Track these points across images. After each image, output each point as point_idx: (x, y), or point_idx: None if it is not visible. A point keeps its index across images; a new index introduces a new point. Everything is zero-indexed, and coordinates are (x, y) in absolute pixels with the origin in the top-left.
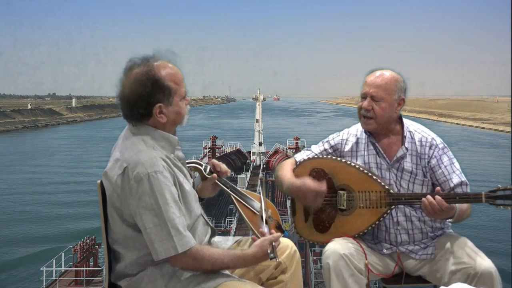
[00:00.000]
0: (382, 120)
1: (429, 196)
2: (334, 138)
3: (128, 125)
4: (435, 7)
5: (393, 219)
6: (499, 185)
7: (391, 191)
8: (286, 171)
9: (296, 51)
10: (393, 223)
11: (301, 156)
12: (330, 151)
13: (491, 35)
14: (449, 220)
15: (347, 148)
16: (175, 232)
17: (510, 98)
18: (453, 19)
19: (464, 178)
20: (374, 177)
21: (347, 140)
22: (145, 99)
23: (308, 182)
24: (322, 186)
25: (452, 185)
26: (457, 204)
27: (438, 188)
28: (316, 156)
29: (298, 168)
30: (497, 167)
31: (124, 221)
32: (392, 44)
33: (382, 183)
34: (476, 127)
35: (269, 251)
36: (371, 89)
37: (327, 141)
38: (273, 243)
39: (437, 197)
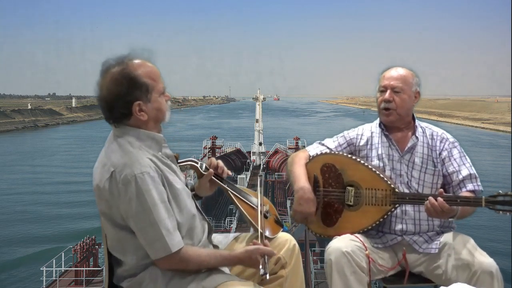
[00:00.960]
0: (402, 111)
1: (431, 198)
2: (349, 133)
3: (112, 128)
4: (435, 7)
5: (401, 207)
6: (500, 191)
7: (397, 190)
8: (299, 170)
9: (296, 51)
10: (401, 212)
11: (314, 150)
12: (345, 145)
13: (491, 35)
14: (451, 219)
15: (362, 142)
16: (167, 233)
17: (510, 98)
18: (453, 19)
19: (473, 171)
20: (382, 175)
21: (362, 134)
22: (123, 98)
23: (312, 202)
24: (311, 209)
25: (461, 177)
26: None
27: (441, 190)
28: (328, 152)
29: (311, 163)
30: (497, 167)
31: (116, 226)
32: (392, 44)
33: (389, 182)
34: (476, 127)
35: (260, 267)
36: (391, 82)
37: (342, 136)
38: (265, 257)
39: (439, 199)
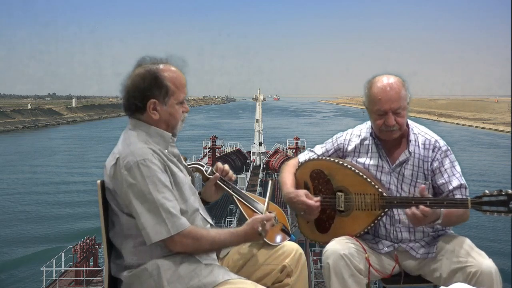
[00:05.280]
0: (404, 126)
1: (413, 208)
2: (338, 138)
3: (128, 121)
4: (435, 7)
5: (395, 217)
6: (486, 190)
7: (384, 194)
8: (287, 176)
9: (296, 51)
10: (394, 220)
11: (303, 157)
12: (332, 151)
13: (491, 35)
14: (438, 222)
15: (350, 148)
16: (167, 215)
17: (510, 98)
18: (453, 19)
19: (463, 181)
20: (369, 179)
21: (350, 140)
22: (141, 91)
23: (301, 195)
24: (314, 203)
25: (451, 187)
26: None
27: (423, 186)
28: (317, 158)
29: (300, 169)
30: (497, 167)
31: (120, 210)
32: (392, 44)
33: (376, 186)
34: (476, 127)
35: (260, 229)
36: (391, 105)
37: (330, 142)
38: (265, 221)
39: (421, 207)
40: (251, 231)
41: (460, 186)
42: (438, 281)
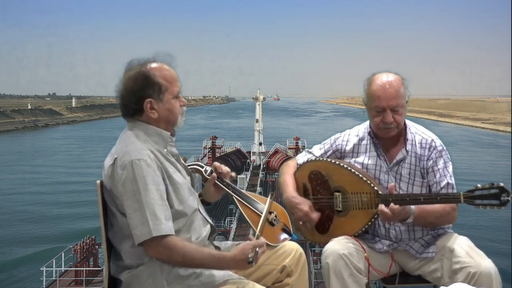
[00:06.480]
0: (401, 125)
1: (382, 206)
2: (336, 140)
3: (126, 124)
4: (435, 7)
5: None
6: (478, 185)
7: (380, 192)
8: (288, 179)
9: (296, 51)
10: None
11: (302, 158)
12: (330, 152)
13: (491, 35)
14: (409, 221)
15: (348, 148)
16: (152, 217)
17: (510, 98)
18: (453, 19)
19: (451, 181)
20: (365, 178)
21: (347, 141)
22: (136, 94)
23: (306, 206)
24: (315, 218)
25: (439, 187)
26: (413, 207)
27: (392, 185)
28: (314, 159)
29: (299, 171)
30: (497, 167)
31: (118, 210)
32: (392, 44)
33: (372, 184)
34: (476, 127)
35: (250, 255)
36: (389, 102)
37: (328, 143)
38: (256, 249)
39: (391, 205)
40: (241, 257)
41: (447, 186)
42: (438, 281)
